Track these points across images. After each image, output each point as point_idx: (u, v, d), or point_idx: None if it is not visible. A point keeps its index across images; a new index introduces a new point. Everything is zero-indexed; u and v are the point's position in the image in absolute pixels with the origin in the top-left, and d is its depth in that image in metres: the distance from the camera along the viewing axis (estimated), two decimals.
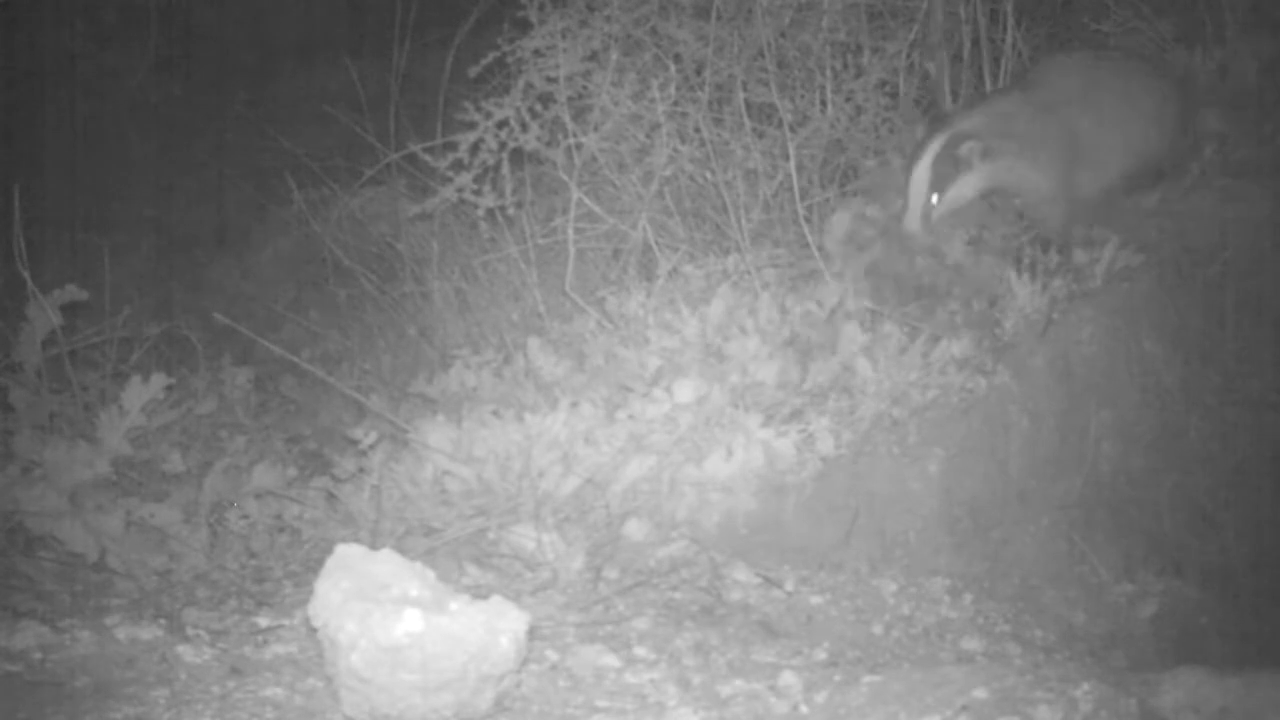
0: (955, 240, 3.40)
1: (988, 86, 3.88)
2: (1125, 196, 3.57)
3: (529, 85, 3.78)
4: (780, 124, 3.67)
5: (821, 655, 2.61)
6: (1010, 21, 3.85)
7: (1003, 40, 3.87)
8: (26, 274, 3.25)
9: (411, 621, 2.04)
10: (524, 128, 3.77)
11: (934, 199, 3.24)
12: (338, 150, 4.73)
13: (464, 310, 4.12)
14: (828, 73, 3.83)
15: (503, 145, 3.77)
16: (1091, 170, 3.41)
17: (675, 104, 3.81)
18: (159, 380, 3.22)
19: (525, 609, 2.14)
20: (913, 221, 3.26)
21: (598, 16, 3.82)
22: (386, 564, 2.17)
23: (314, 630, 2.15)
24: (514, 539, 2.95)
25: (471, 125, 3.76)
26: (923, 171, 3.22)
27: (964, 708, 2.06)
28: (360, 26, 5.56)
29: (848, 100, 3.83)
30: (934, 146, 3.23)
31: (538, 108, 3.79)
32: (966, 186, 3.27)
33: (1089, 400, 3.32)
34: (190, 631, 2.54)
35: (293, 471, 3.31)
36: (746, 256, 3.60)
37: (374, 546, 2.23)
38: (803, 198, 3.60)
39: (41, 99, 5.70)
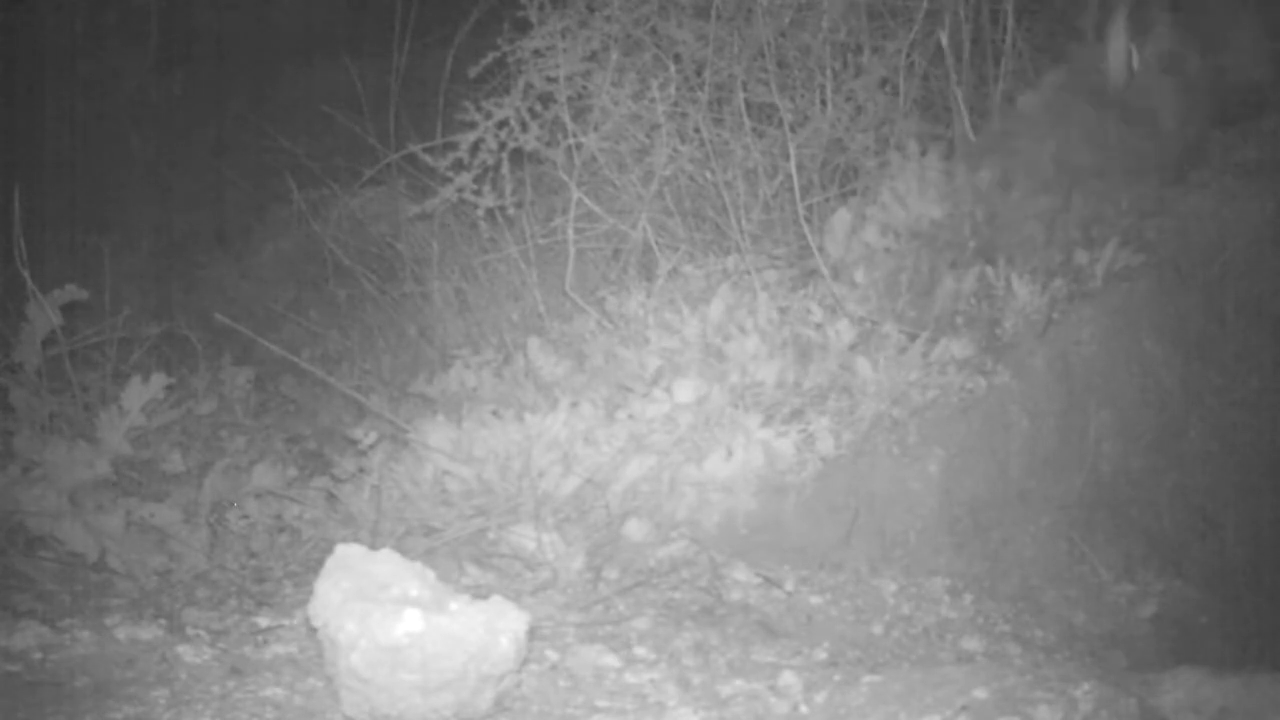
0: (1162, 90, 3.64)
1: (988, 87, 3.88)
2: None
3: (529, 85, 3.78)
4: (780, 124, 3.67)
5: (821, 655, 2.61)
6: (1010, 21, 3.85)
7: (1003, 40, 3.87)
8: (26, 274, 3.25)
9: (411, 621, 2.04)
10: (524, 128, 3.77)
11: (1133, 50, 3.54)
12: (338, 150, 4.73)
13: (464, 310, 4.12)
14: (828, 72, 3.83)
15: (503, 145, 3.77)
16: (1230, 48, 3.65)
17: (675, 104, 3.82)
18: (159, 380, 3.23)
19: (525, 609, 2.14)
20: (1119, 72, 3.55)
21: (598, 16, 3.82)
22: (386, 564, 2.17)
23: (314, 630, 2.15)
24: (514, 539, 2.95)
25: (471, 125, 3.76)
26: (1119, 25, 3.54)
27: (964, 708, 2.06)
28: (360, 26, 5.55)
29: (848, 100, 3.83)
30: (1124, 3, 3.54)
31: (538, 108, 3.79)
32: (1161, 40, 3.56)
33: (1089, 400, 3.32)
34: (190, 631, 2.54)
35: (293, 471, 3.32)
36: (746, 256, 3.60)
37: (374, 546, 2.23)
38: (803, 198, 3.60)
39: (41, 99, 5.69)
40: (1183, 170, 3.58)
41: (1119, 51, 3.54)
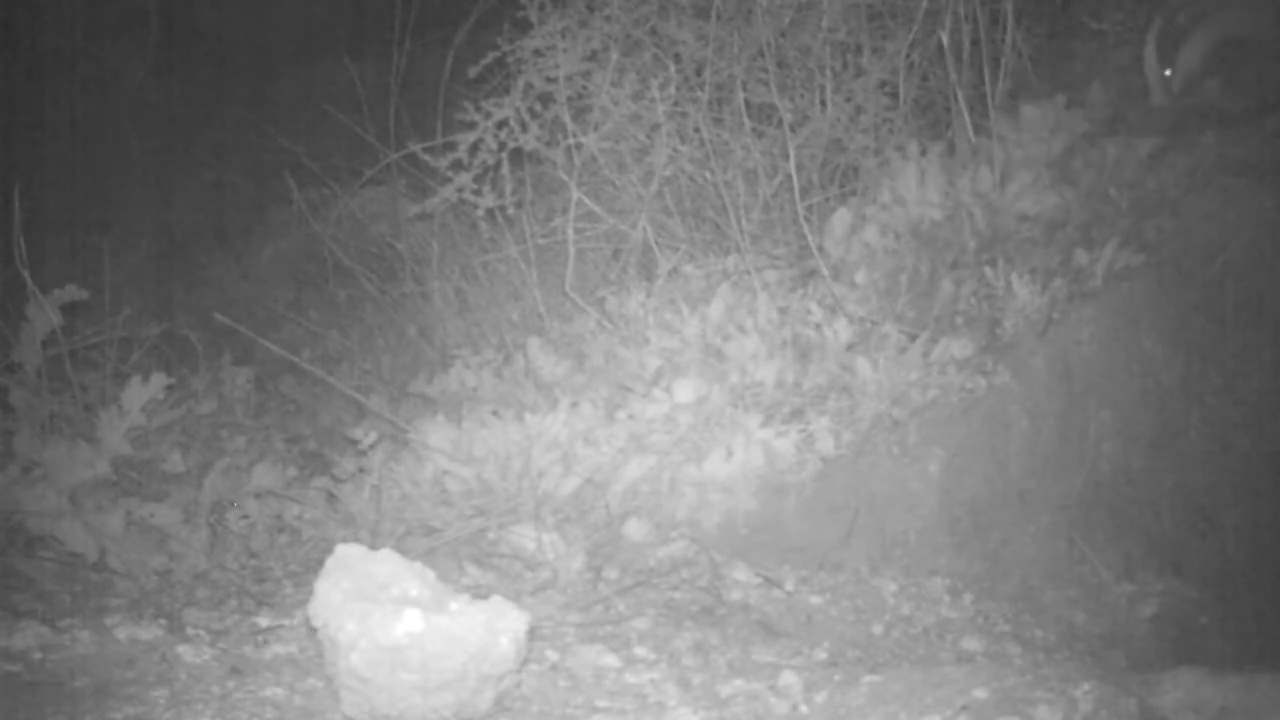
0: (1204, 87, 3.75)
1: (987, 87, 3.87)
2: None
3: (529, 85, 3.78)
4: (780, 124, 3.67)
5: (821, 655, 2.61)
6: (1010, 21, 3.84)
7: (1003, 40, 3.87)
8: (26, 274, 3.25)
9: (411, 621, 2.04)
10: (524, 128, 3.77)
11: (1166, 72, 3.64)
12: (338, 150, 4.73)
13: (464, 310, 4.12)
14: (828, 73, 3.83)
15: (502, 145, 3.77)
16: None
17: (675, 104, 3.81)
18: (159, 380, 3.23)
19: (525, 609, 2.14)
20: (1157, 96, 3.67)
21: (598, 16, 3.82)
22: (386, 564, 2.17)
23: (314, 630, 2.15)
24: (514, 539, 2.95)
25: (471, 125, 3.76)
26: (1151, 51, 3.65)
27: (964, 708, 2.06)
28: (360, 26, 5.56)
29: (848, 100, 3.83)
30: (1155, 27, 3.65)
31: (538, 108, 3.79)
32: (1192, 52, 3.64)
33: (1089, 400, 3.32)
34: (190, 631, 2.54)
35: (293, 471, 3.32)
36: (746, 256, 3.60)
37: (374, 546, 2.23)
38: (803, 198, 3.60)
39: (41, 99, 5.70)
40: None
41: (1155, 79, 3.66)
